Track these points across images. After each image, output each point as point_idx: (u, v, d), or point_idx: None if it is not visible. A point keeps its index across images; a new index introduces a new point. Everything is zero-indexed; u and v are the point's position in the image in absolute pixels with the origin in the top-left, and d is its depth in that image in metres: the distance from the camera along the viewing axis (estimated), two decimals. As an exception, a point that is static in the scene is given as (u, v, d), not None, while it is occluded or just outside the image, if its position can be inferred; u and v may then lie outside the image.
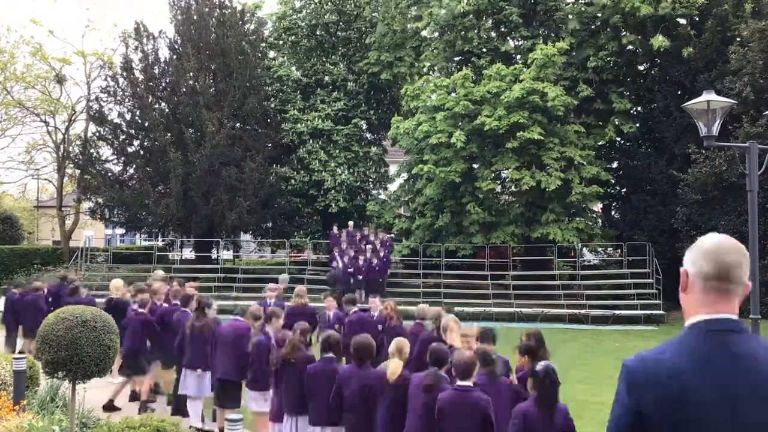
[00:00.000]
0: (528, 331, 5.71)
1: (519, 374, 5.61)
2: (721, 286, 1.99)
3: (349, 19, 30.19)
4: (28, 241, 40.93)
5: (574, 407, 9.39)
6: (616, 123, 22.89)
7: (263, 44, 29.79)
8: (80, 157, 28.10)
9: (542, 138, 21.09)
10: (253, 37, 28.57)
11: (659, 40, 20.69)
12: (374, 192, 30.15)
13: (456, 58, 26.58)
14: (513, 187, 24.35)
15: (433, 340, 6.50)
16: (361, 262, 20.79)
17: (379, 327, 9.47)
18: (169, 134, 25.70)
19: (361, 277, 20.63)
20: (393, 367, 5.50)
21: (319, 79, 29.37)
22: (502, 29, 25.47)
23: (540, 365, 4.68)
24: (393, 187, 29.26)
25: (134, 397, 9.56)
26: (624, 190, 25.57)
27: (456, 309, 20.10)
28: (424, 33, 26.52)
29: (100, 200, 27.69)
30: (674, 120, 22.03)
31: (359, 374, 5.67)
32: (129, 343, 9.11)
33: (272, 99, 28.91)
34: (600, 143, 22.97)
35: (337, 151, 28.03)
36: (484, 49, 24.76)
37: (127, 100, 27.08)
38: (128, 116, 27.08)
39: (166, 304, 10.06)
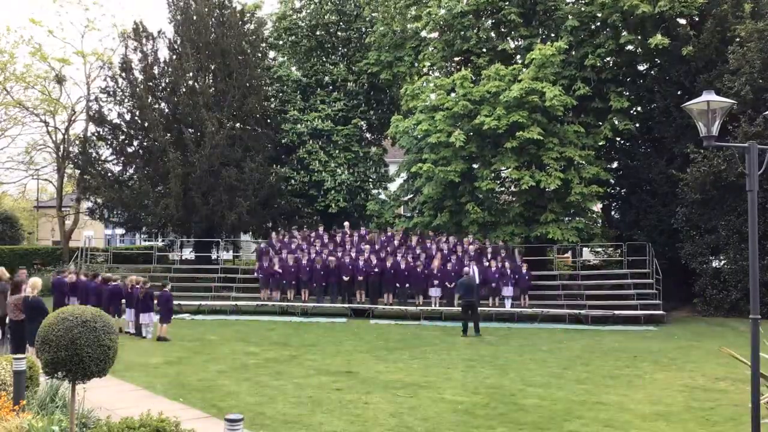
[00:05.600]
0: None
1: None
2: None
3: (349, 20, 30.20)
4: (27, 241, 40.94)
5: (574, 407, 9.41)
6: (614, 121, 22.89)
7: (263, 44, 29.79)
8: (80, 157, 28.09)
9: (541, 138, 21.08)
10: (253, 37, 28.56)
11: (658, 39, 20.70)
12: (374, 192, 30.16)
13: (455, 58, 26.59)
14: (512, 187, 24.35)
15: None
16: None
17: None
18: (168, 134, 25.70)
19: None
20: None
21: (319, 79, 29.38)
22: (502, 29, 25.47)
23: None
24: (393, 186, 29.26)
25: None
26: (624, 190, 25.57)
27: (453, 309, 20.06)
28: (423, 33, 26.52)
29: (99, 200, 27.67)
30: (674, 120, 22.03)
31: None
32: None
33: (272, 99, 28.92)
34: (600, 143, 22.99)
35: (337, 151, 28.04)
36: (484, 49, 24.77)
37: (126, 100, 27.07)
38: (128, 116, 27.08)
39: None
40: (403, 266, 20.76)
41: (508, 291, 20.41)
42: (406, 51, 26.67)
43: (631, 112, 24.42)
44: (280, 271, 21.31)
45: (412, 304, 20.81)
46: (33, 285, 11.44)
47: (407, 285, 20.80)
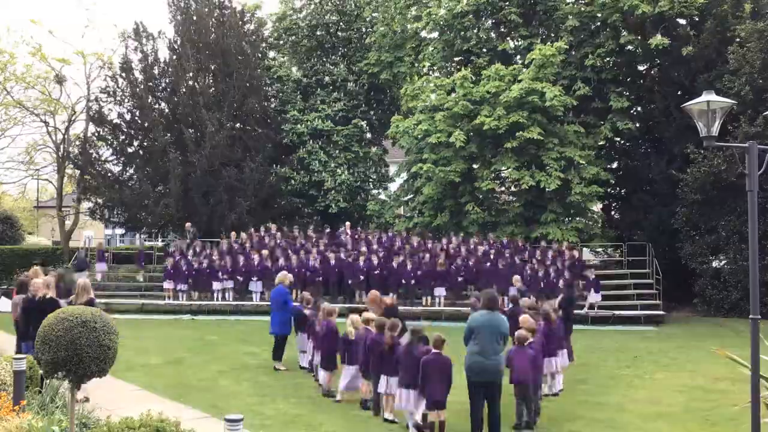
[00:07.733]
0: None
1: None
2: None
3: (349, 20, 30.21)
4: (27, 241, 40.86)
5: (574, 407, 9.42)
6: (614, 121, 22.91)
7: (263, 44, 29.79)
8: (80, 157, 28.06)
9: (542, 138, 21.09)
10: (253, 38, 28.56)
11: (658, 39, 20.71)
12: (374, 192, 30.15)
13: (455, 58, 26.60)
14: (512, 187, 24.36)
15: None
16: None
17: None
18: (168, 134, 25.69)
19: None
20: None
21: (319, 79, 29.38)
22: (502, 29, 25.50)
23: None
24: (393, 187, 29.26)
25: None
26: (624, 190, 25.57)
27: (456, 309, 20.11)
28: (423, 33, 26.55)
29: (99, 200, 27.65)
30: (674, 120, 22.03)
31: None
32: None
33: (272, 99, 28.93)
34: (600, 143, 22.97)
35: (337, 151, 28.04)
36: (484, 49, 24.78)
37: (126, 100, 27.05)
38: (128, 116, 27.06)
39: None
40: (409, 267, 20.57)
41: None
42: (406, 51, 26.69)
43: (631, 112, 24.42)
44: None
45: (418, 304, 20.64)
46: (35, 286, 11.26)
47: (413, 284, 20.60)
